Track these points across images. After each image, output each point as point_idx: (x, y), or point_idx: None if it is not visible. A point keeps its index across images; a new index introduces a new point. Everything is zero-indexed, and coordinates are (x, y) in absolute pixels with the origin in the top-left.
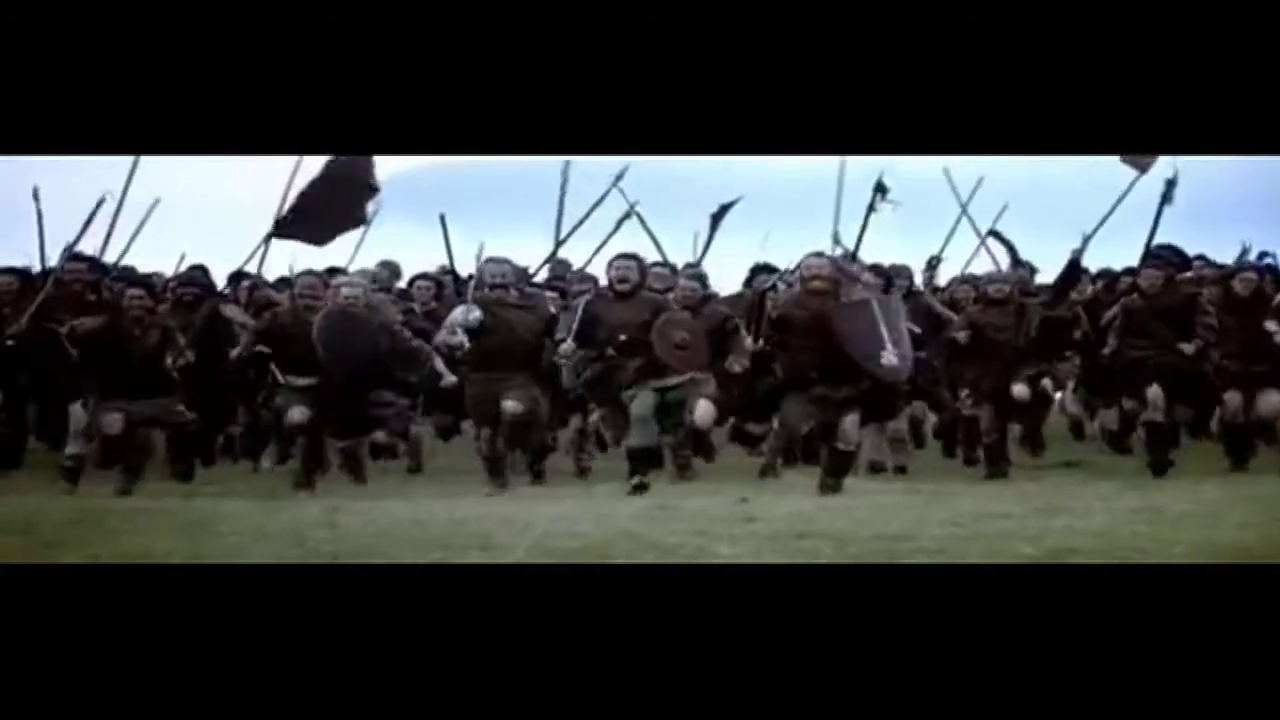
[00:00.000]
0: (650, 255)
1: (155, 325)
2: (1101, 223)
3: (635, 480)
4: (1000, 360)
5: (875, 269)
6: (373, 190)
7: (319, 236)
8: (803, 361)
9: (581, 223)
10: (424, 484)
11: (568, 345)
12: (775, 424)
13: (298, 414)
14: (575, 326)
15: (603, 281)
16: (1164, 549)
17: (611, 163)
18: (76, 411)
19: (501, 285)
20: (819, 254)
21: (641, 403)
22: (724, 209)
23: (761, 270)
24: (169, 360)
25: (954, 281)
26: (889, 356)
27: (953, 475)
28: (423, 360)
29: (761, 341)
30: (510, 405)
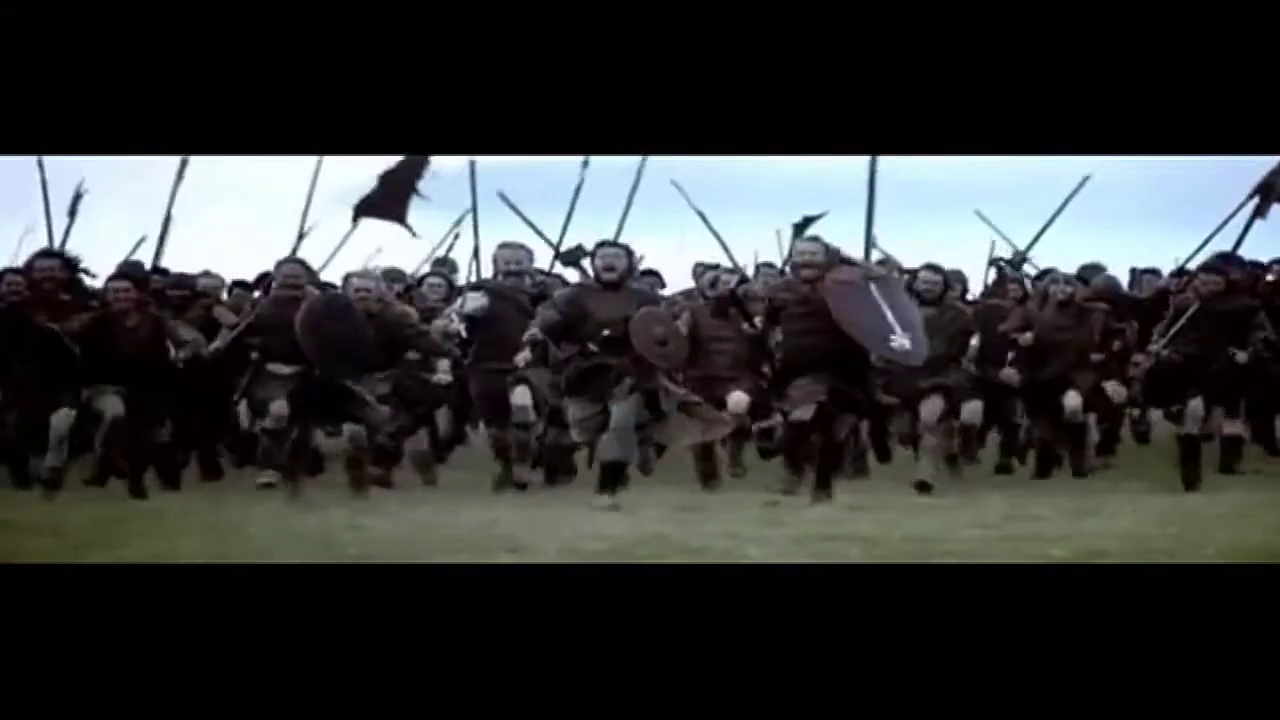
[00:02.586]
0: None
1: (147, 318)
2: (1195, 252)
3: (607, 500)
4: (1058, 364)
5: (932, 268)
6: (419, 194)
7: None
8: (799, 346)
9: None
10: (451, 488)
11: (532, 333)
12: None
13: (277, 407)
14: (557, 316)
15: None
16: (1194, 551)
17: (624, 162)
18: (59, 420)
19: (516, 272)
20: (812, 238)
21: (623, 411)
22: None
23: (764, 266)
24: (174, 353)
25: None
26: (899, 340)
27: (980, 478)
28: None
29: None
30: (518, 399)
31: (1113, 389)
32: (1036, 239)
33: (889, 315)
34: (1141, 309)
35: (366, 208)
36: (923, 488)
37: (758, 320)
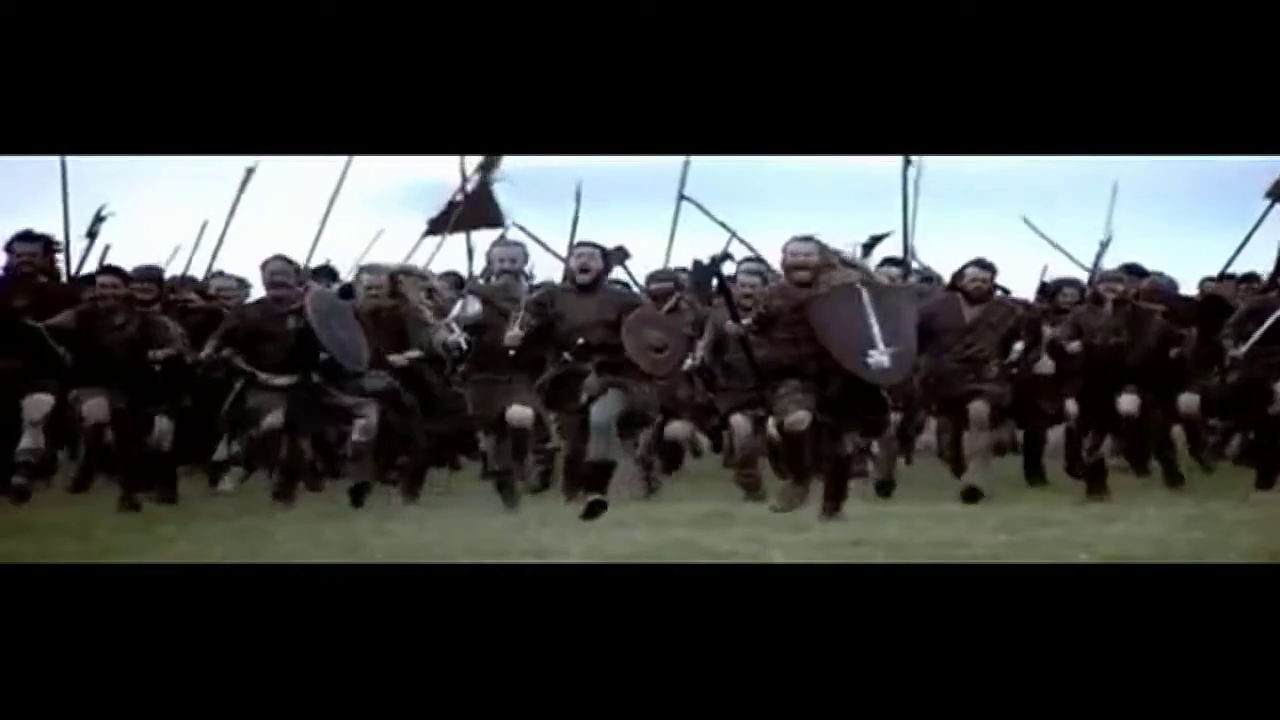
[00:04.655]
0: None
1: (135, 314)
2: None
3: (592, 497)
4: (1109, 368)
5: (980, 264)
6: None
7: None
8: (789, 356)
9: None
10: (477, 493)
11: (513, 334)
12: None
13: (274, 418)
14: (528, 318)
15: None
16: (1220, 555)
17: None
18: (33, 406)
19: (511, 272)
20: (806, 238)
21: (602, 410)
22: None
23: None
24: (151, 353)
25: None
26: (877, 356)
27: (1007, 483)
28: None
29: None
30: (516, 412)
31: (1185, 401)
32: (1098, 262)
33: (875, 328)
34: (1202, 313)
35: (442, 222)
36: (971, 495)
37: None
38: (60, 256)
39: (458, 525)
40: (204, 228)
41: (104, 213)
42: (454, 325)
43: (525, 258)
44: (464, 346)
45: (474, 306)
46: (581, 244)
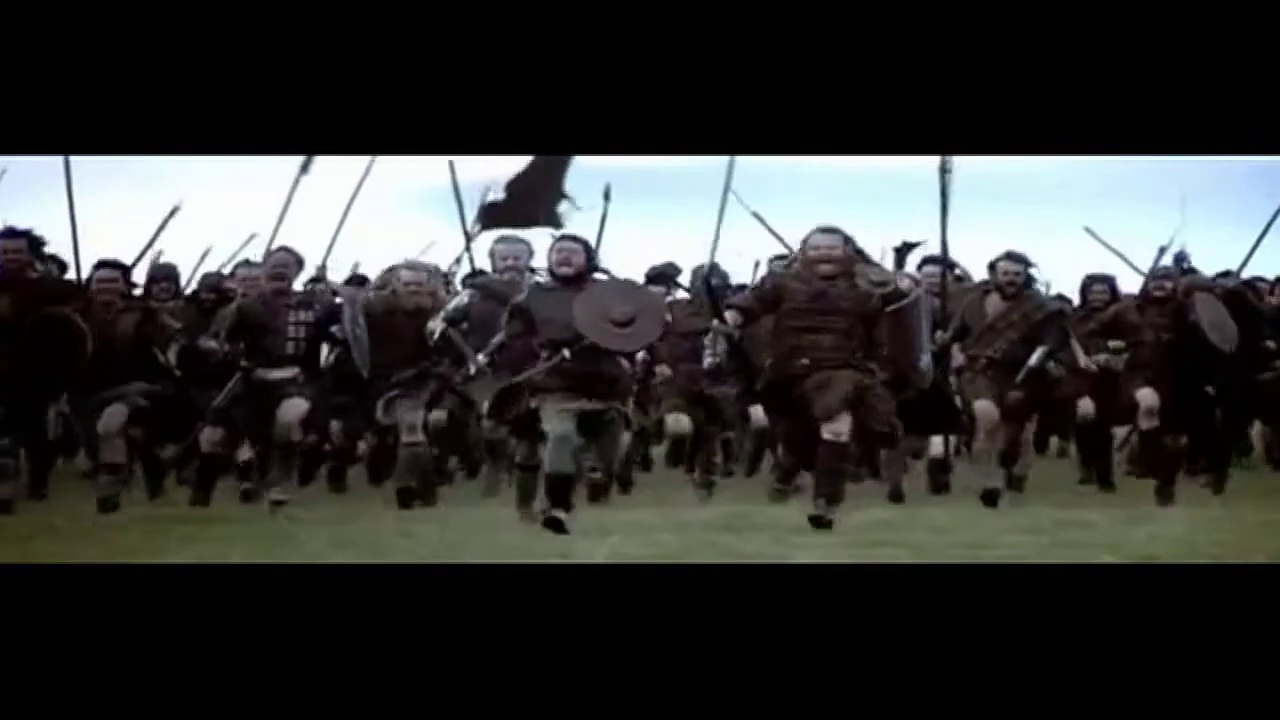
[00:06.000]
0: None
1: (133, 309)
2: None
3: (550, 513)
4: (1158, 369)
5: (1012, 256)
6: (563, 196)
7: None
8: (799, 346)
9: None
10: (501, 496)
11: (481, 359)
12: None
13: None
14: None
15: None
16: (1245, 556)
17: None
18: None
19: (514, 269)
20: (831, 230)
21: (560, 422)
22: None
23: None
24: (164, 353)
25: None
26: (925, 359)
27: (1031, 485)
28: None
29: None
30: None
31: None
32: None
33: (924, 334)
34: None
35: (495, 216)
36: (989, 497)
37: (729, 315)
38: (64, 255)
39: (481, 527)
40: (250, 239)
41: (178, 206)
42: (438, 318)
43: (529, 255)
44: (436, 337)
45: (458, 300)
46: (564, 237)
